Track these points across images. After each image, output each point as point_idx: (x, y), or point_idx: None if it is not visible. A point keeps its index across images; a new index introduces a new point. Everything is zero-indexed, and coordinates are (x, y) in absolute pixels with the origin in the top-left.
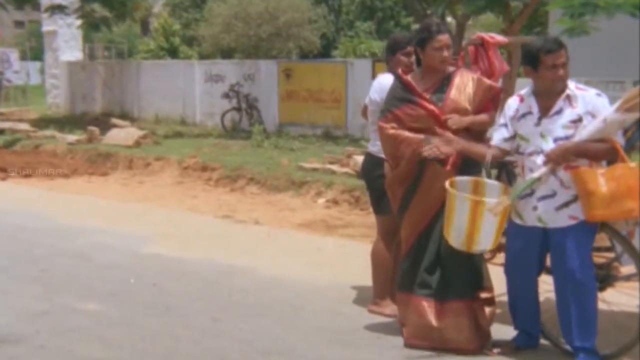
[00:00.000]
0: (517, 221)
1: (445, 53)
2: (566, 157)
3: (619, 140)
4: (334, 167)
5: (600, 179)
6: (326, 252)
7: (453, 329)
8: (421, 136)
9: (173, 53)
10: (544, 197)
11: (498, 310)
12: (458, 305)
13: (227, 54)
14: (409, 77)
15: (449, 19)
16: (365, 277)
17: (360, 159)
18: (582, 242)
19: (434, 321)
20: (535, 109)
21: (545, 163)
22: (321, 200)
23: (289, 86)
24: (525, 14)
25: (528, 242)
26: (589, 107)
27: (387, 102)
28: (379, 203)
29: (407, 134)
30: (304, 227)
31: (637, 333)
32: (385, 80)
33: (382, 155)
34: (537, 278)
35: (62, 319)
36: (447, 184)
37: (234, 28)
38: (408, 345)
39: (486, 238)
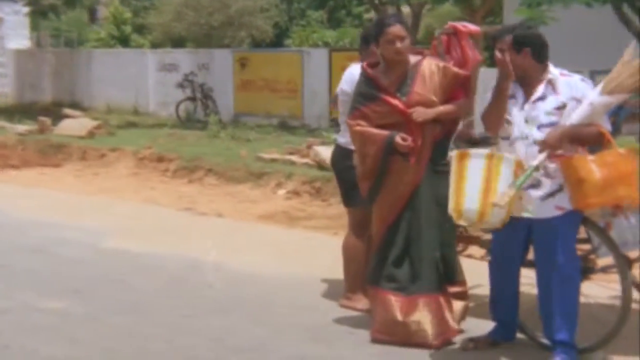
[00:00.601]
0: None
1: (398, 45)
2: (563, 141)
3: (606, 125)
4: (294, 158)
5: (592, 166)
6: (292, 245)
7: (417, 323)
8: (386, 133)
9: (124, 42)
10: (529, 187)
11: (471, 304)
12: (425, 299)
13: (178, 42)
14: (374, 72)
15: (405, 9)
16: (333, 271)
17: (320, 149)
18: (568, 234)
19: (399, 315)
20: (519, 93)
21: (541, 150)
22: (281, 192)
23: (244, 76)
24: (488, 3)
25: (514, 233)
26: (574, 92)
27: (354, 99)
28: (348, 195)
29: (373, 130)
30: (265, 218)
31: (614, 326)
32: (357, 70)
33: (352, 147)
34: (519, 270)
35: (25, 317)
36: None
37: (185, 16)
38: (373, 340)
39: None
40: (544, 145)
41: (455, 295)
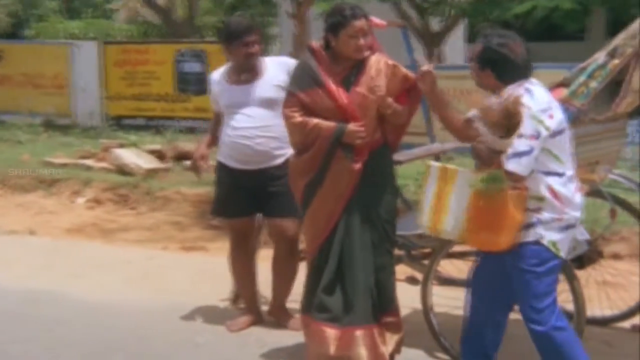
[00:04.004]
0: None
1: (362, 41)
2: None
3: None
4: (89, 162)
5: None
6: (137, 266)
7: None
8: (332, 124)
9: None
10: None
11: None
12: (361, 332)
13: None
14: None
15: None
16: (196, 293)
17: (121, 152)
18: (537, 272)
19: (332, 350)
20: None
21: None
22: (81, 200)
23: (0, 70)
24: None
25: (496, 258)
26: None
27: (291, 83)
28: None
29: (316, 120)
30: (74, 233)
31: None
32: (215, 75)
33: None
34: (505, 310)
35: None
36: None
37: None
38: None
39: None
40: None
41: (388, 326)
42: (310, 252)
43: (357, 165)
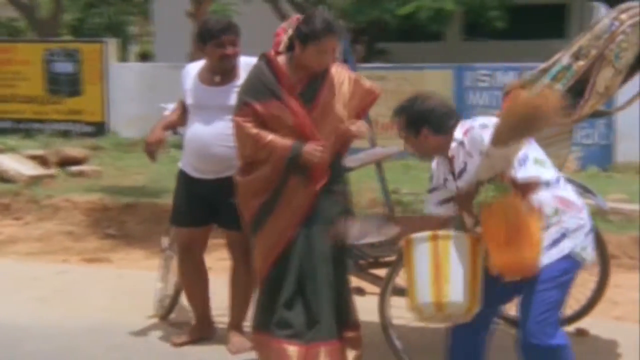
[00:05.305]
0: None
1: (328, 59)
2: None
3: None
4: None
5: None
6: (45, 283)
7: None
8: (288, 142)
9: None
10: None
11: None
12: (326, 348)
13: None
14: (280, 63)
15: None
16: (117, 310)
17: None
18: (559, 282)
19: None
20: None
21: None
22: None
23: None
24: None
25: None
26: (478, 146)
27: (246, 91)
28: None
29: (272, 136)
30: None
31: None
32: (192, 68)
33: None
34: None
35: None
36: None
37: None
38: None
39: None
40: None
41: (349, 341)
42: (264, 271)
43: (316, 187)
